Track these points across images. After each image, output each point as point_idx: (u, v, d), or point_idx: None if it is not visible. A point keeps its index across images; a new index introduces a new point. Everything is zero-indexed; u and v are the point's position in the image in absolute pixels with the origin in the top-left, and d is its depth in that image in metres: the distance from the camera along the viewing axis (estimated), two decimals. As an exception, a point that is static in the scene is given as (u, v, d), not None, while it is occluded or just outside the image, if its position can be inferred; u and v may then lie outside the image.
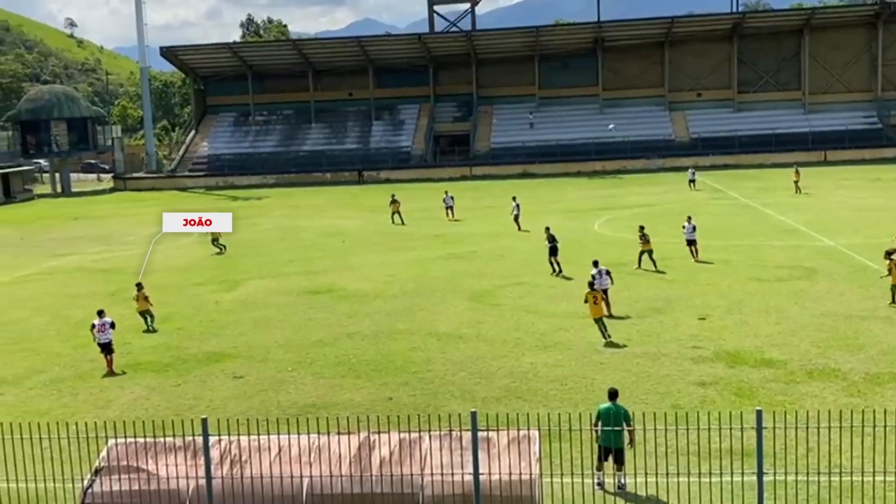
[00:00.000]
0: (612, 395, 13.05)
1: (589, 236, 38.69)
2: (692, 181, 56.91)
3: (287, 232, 45.21)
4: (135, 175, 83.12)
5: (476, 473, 9.66)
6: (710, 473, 11.88)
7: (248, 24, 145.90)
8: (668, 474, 11.13)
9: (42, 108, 79.97)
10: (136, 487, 9.98)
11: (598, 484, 12.46)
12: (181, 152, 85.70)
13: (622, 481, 12.51)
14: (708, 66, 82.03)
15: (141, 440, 10.52)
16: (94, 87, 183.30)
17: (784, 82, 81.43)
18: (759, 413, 9.79)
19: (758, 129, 76.69)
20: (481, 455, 9.80)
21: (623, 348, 20.53)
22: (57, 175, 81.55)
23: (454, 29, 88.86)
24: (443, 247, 36.47)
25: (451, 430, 10.54)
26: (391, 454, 10.18)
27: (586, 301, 21.44)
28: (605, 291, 23.18)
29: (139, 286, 25.25)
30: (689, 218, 32.61)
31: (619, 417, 12.54)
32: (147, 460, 10.23)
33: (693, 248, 31.72)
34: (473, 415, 9.84)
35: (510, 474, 9.79)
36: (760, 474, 9.87)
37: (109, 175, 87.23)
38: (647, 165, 72.96)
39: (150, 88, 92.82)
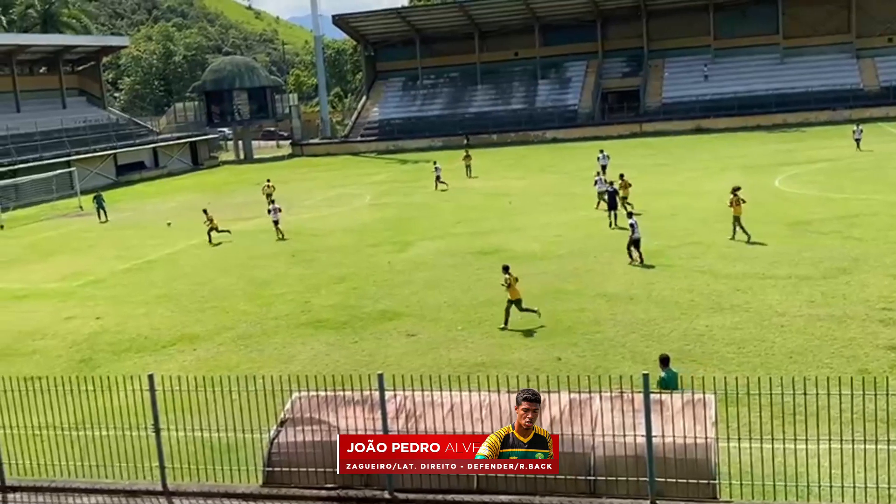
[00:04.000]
0: (665, 361, 13.16)
1: (769, 193, 36.97)
2: (858, 140, 49.16)
3: (454, 193, 45.73)
4: (311, 141, 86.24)
5: (649, 436, 9.52)
6: (902, 442, 11.20)
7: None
8: (853, 441, 10.59)
9: (224, 78, 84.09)
10: (319, 438, 10.47)
11: None
12: (353, 118, 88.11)
13: None
14: (900, 9, 75.98)
15: (322, 393, 11.00)
16: (271, 57, 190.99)
17: None
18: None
19: (958, 74, 70.56)
20: (654, 418, 9.64)
21: (795, 313, 19.57)
22: (240, 143, 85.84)
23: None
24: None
25: (622, 392, 10.41)
26: (561, 413, 10.17)
27: (508, 285, 20.17)
28: (636, 242, 25.20)
29: (206, 211, 35.50)
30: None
31: (676, 384, 12.53)
32: (328, 413, 10.70)
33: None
34: (645, 377, 9.68)
35: (684, 438, 9.58)
36: (958, 444, 9.22)
37: (287, 142, 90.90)
38: (833, 117, 68.54)
39: (324, 56, 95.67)
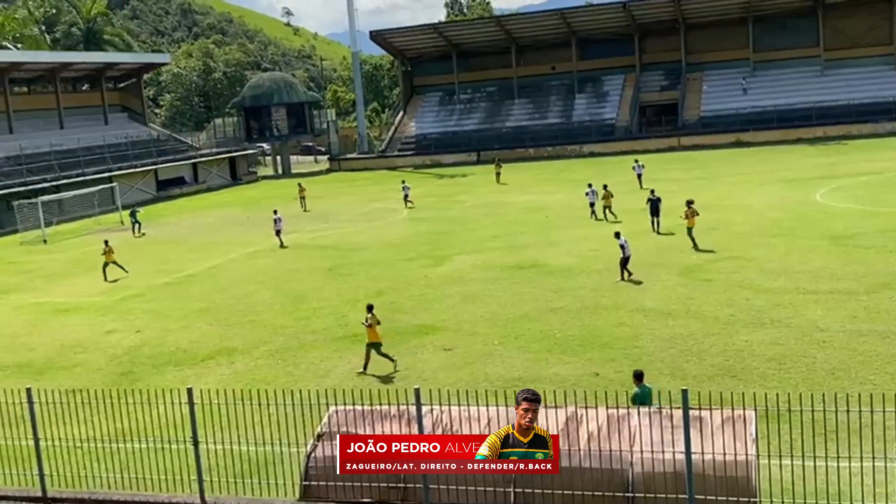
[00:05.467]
0: (639, 376, 13.32)
1: (810, 207, 36.50)
2: None
3: (491, 208, 45.73)
4: (348, 156, 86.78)
5: (688, 452, 9.41)
6: (949, 462, 10.95)
7: (453, 4, 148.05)
8: (899, 460, 10.39)
9: (263, 94, 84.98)
10: (355, 453, 10.48)
11: None
12: (391, 133, 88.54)
13: None
14: (945, 19, 74.72)
15: (359, 408, 11.02)
16: (309, 73, 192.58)
17: None
18: None
19: None
20: (693, 434, 9.53)
21: (837, 329, 19.26)
22: (278, 158, 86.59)
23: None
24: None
25: (660, 408, 10.32)
26: (599, 429, 10.10)
27: (370, 325, 18.85)
28: (626, 260, 25.51)
29: (106, 242, 33.68)
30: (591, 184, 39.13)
31: (648, 398, 12.72)
32: (365, 427, 10.71)
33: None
34: (684, 392, 9.57)
35: (724, 454, 9.46)
36: None
37: (325, 157, 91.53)
38: (875, 130, 67.52)
39: (361, 72, 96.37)
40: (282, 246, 37.52)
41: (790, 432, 12.04)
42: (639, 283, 25.12)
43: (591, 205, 38.38)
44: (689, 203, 30.08)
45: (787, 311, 20.93)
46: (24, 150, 61.02)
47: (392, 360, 18.89)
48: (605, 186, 38.62)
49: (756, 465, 9.73)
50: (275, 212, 39.23)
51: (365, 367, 18.88)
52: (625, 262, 25.69)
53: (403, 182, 52.00)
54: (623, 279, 25.51)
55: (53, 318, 27.38)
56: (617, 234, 26.50)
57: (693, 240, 29.36)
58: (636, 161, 49.63)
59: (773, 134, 69.93)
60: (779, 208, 36.75)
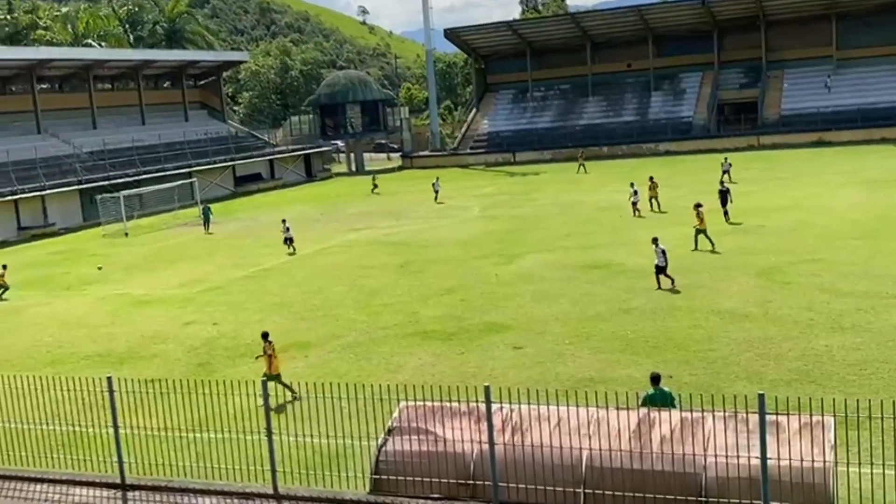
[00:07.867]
0: (655, 379, 12.67)
1: (894, 209, 35.32)
2: None
3: (563, 206, 45.42)
4: (420, 153, 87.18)
5: (764, 457, 9.22)
6: None
7: (528, 1, 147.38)
8: None
9: (338, 92, 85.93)
10: (425, 448, 10.55)
11: None
12: (463, 130, 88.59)
13: None
14: None
15: (429, 404, 11.08)
16: (383, 71, 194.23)
17: None
18: None
19: None
20: (769, 439, 9.33)
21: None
22: (352, 155, 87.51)
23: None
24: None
25: (736, 412, 10.12)
26: (672, 432, 9.96)
27: (266, 355, 17.18)
28: (664, 269, 24.64)
29: (4, 266, 32.48)
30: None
31: (665, 402, 12.04)
32: (435, 423, 10.77)
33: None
34: (761, 397, 9.39)
35: (801, 460, 9.24)
36: None
37: (398, 154, 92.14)
38: (965, 130, 65.04)
39: (435, 70, 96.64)
40: (292, 253, 36.15)
41: (870, 440, 11.70)
42: (677, 292, 24.08)
43: (634, 204, 39.27)
44: (698, 206, 30.48)
45: (869, 315, 20.32)
46: (107, 146, 62.91)
47: (295, 394, 16.70)
48: (650, 178, 40.88)
49: (834, 472, 9.48)
50: (283, 221, 38.26)
51: (293, 394, 16.80)
52: (660, 270, 24.73)
53: (437, 179, 54.04)
54: (660, 287, 24.51)
55: (134, 309, 28.16)
56: (655, 241, 25.19)
57: (697, 241, 29.68)
58: (725, 158, 51.29)
59: (855, 133, 67.85)
60: (861, 210, 35.67)
